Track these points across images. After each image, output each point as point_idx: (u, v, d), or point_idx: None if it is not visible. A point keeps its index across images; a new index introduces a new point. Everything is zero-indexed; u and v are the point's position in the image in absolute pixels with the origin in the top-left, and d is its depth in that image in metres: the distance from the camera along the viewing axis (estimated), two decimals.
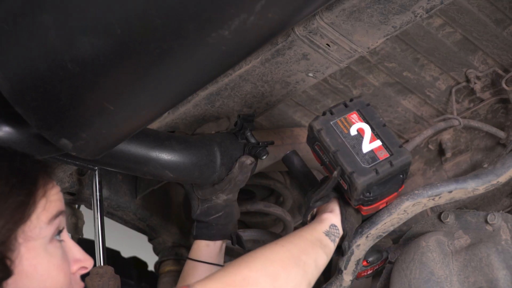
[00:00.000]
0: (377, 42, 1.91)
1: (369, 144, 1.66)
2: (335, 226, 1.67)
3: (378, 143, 1.66)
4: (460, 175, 2.05)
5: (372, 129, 1.68)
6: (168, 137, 1.92)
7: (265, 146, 1.95)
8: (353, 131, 1.67)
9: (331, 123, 1.67)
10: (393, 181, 1.68)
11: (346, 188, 1.65)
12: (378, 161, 1.64)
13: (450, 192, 1.71)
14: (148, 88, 1.53)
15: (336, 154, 1.64)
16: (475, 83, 2.24)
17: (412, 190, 1.73)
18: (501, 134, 2.18)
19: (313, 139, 1.69)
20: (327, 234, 1.65)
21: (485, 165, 1.77)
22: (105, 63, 1.47)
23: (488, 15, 2.10)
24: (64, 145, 1.59)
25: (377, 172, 1.63)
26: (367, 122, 1.68)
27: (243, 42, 1.47)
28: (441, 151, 2.33)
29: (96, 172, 2.24)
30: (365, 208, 1.68)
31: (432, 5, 1.80)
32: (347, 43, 1.91)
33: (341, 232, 1.68)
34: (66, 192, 2.41)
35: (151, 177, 1.99)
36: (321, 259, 1.60)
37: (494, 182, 1.71)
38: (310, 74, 2.01)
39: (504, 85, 2.17)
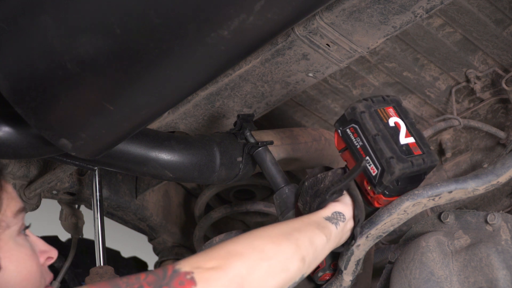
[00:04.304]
0: (377, 42, 1.91)
1: (405, 138, 1.69)
2: (340, 212, 1.65)
3: (412, 139, 1.69)
4: (460, 175, 2.05)
5: (407, 126, 1.71)
6: (168, 137, 1.92)
7: (265, 146, 1.95)
8: (391, 122, 1.70)
9: (373, 109, 1.70)
10: (415, 179, 1.70)
11: (374, 173, 1.66)
12: (413, 155, 1.67)
13: (450, 192, 1.71)
14: (148, 88, 1.52)
15: (377, 137, 1.66)
16: (475, 83, 2.24)
17: (412, 190, 1.73)
18: (501, 134, 2.18)
19: (350, 121, 1.70)
20: (328, 219, 1.63)
21: (485, 165, 1.76)
22: (104, 63, 1.47)
23: (488, 15, 2.10)
24: (64, 145, 1.59)
25: (412, 164, 1.65)
26: (402, 119, 1.72)
27: (243, 42, 1.46)
28: (441, 151, 2.32)
29: (96, 172, 2.25)
30: (384, 198, 1.69)
31: (432, 5, 1.80)
32: (347, 43, 1.91)
33: (348, 218, 1.66)
34: (66, 192, 2.41)
35: (150, 177, 1.98)
36: (318, 239, 1.57)
37: (494, 182, 1.71)
38: (310, 74, 2.01)
39: (504, 85, 2.17)
